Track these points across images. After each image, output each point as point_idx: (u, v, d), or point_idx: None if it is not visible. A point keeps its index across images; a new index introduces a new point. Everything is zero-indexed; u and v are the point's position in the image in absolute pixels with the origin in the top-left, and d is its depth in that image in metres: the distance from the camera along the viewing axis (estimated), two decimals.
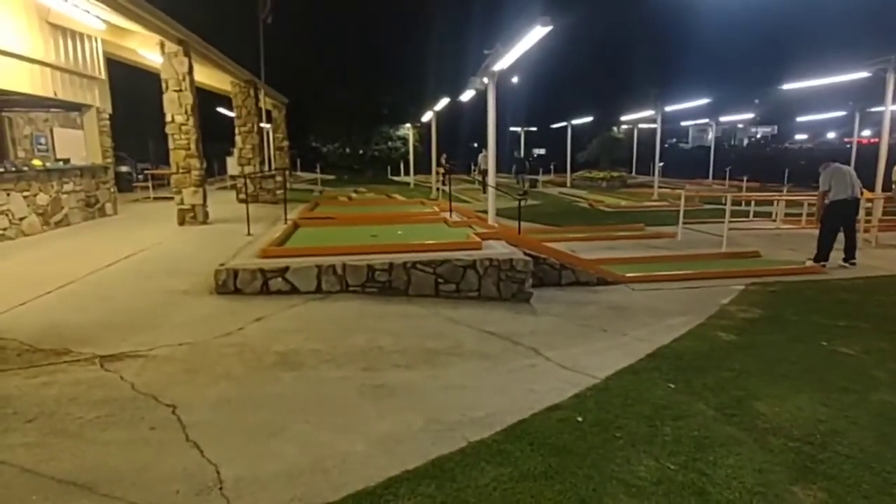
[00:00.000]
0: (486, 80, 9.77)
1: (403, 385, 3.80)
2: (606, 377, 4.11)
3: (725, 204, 10.54)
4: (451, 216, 9.82)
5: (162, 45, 9.80)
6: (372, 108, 28.96)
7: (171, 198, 14.25)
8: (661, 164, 33.84)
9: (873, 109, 20.20)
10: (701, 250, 10.25)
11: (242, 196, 15.08)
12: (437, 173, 19.94)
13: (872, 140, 36.62)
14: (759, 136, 52.41)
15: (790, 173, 24.24)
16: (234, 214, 12.09)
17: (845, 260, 8.56)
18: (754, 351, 4.85)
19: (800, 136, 43.44)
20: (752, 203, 12.75)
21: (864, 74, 11.85)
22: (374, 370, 4.04)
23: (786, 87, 14.27)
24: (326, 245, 6.87)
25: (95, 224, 10.60)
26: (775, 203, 12.78)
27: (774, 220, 12.35)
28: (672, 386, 4.00)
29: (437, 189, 20.07)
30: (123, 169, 17.58)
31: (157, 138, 23.96)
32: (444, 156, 22.40)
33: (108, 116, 11.90)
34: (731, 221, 13.15)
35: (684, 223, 12.77)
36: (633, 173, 32.72)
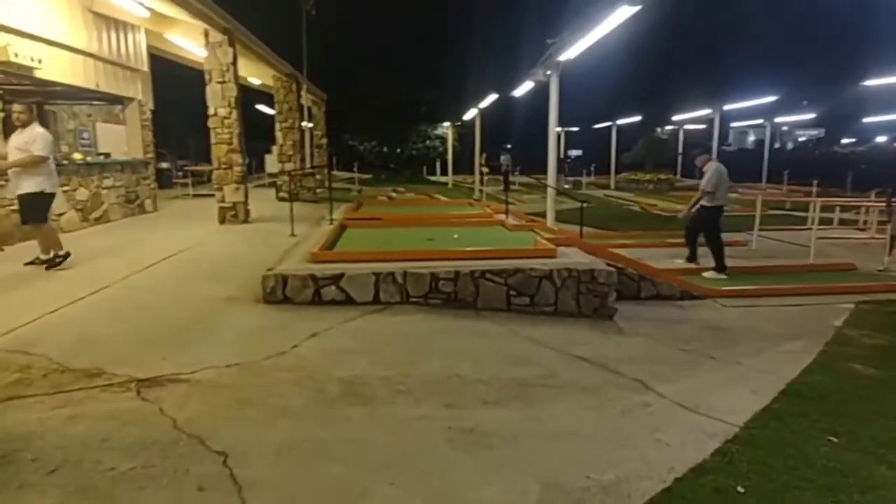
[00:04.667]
0: (549, 71, 9.03)
1: (499, 429, 3.07)
2: (746, 424, 3.31)
3: (809, 210, 9.54)
4: (507, 218, 9.09)
5: (206, 35, 9.32)
6: (411, 106, 28.36)
7: (211, 195, 13.87)
8: None
9: None
10: (782, 261, 9.28)
11: (283, 194, 14.66)
12: (482, 174, 19.15)
13: None
14: (804, 138, 50.07)
15: (846, 177, 22.67)
16: (275, 213, 11.60)
17: (690, 259, 8.59)
18: None
19: (846, 140, 41.44)
20: (837, 209, 11.63)
21: None
22: (460, 407, 3.33)
23: (868, 83, 13.07)
24: (381, 249, 6.21)
25: (135, 221, 10.19)
26: (863, 210, 11.63)
27: (864, 229, 11.22)
28: (835, 440, 3.18)
29: (480, 190, 19.29)
30: (164, 165, 17.36)
31: (196, 135, 23.85)
32: (484, 156, 21.59)
33: (149, 111, 11.53)
34: (805, 229, 12.13)
35: (751, 231, 11.81)
36: (679, 176, 31.40)
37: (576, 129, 34.65)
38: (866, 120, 28.52)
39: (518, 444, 2.94)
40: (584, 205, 9.95)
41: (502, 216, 9.41)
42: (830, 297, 6.95)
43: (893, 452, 3.04)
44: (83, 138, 13.64)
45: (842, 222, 11.91)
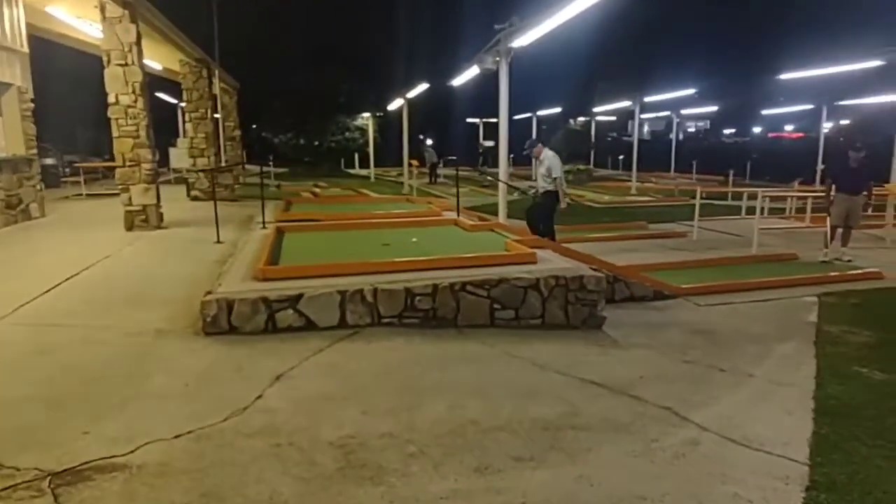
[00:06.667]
0: (497, 58, 8.49)
1: (553, 502, 2.46)
2: (811, 460, 2.91)
3: (744, 200, 9.71)
4: (460, 217, 8.47)
5: (102, 9, 7.90)
6: (329, 96, 26.94)
7: (109, 195, 12.21)
8: (622, 157, 33.54)
9: (843, 103, 20.31)
10: (727, 252, 9.35)
11: (196, 192, 13.21)
12: (412, 166, 18.41)
13: (794, 135, 38.04)
14: (692, 129, 53.24)
15: (742, 165, 24.15)
16: (191, 215, 10.30)
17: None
18: None
19: (728, 131, 44.87)
20: (767, 199, 12.00)
21: (876, 63, 11.35)
22: (493, 471, 2.67)
23: (784, 76, 13.75)
24: (342, 261, 5.37)
25: (18, 230, 8.56)
26: (789, 199, 12.14)
27: (787, 217, 11.69)
28: None
29: (410, 185, 18.57)
30: (49, 161, 15.11)
31: (86, 125, 21.24)
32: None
33: (30, 99, 9.76)
34: (739, 218, 12.52)
35: (682, 221, 12.03)
36: (593, 166, 32.26)
37: (494, 120, 34.68)
38: (765, 112, 30.60)
39: None
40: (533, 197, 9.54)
41: (452, 214, 8.78)
42: (791, 289, 6.96)
43: None
44: None
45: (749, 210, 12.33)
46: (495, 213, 10.00)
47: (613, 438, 3.08)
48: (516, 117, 32.88)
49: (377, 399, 3.36)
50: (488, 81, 9.78)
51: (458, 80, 11.59)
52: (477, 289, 4.83)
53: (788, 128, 40.28)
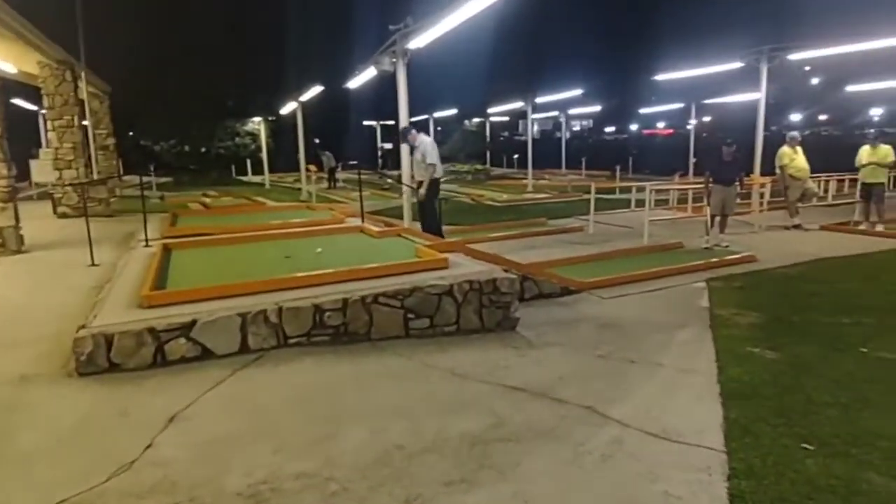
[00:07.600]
0: (394, 59, 8.35)
1: None
2: (726, 447, 3.01)
3: (633, 193, 10.28)
4: (363, 223, 8.20)
5: None
6: (215, 100, 25.37)
7: None
8: (517, 156, 34.66)
9: (709, 101, 22.28)
10: (621, 244, 9.81)
11: (64, 209, 11.85)
12: (311, 172, 17.76)
13: (665, 131, 41.80)
14: (577, 128, 56.36)
15: (624, 161, 25.89)
16: (59, 235, 9.22)
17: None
18: (818, 371, 4.13)
19: (608, 129, 48.22)
20: (653, 192, 12.83)
21: (737, 64, 12.44)
22: (423, 501, 2.49)
23: (659, 77, 14.75)
24: (235, 279, 4.93)
25: None
26: (671, 191, 13.05)
27: (669, 208, 12.57)
28: (808, 447, 3.03)
29: (309, 192, 17.91)
30: None
31: None
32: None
33: None
34: (629, 211, 13.29)
35: (579, 216, 12.59)
36: (489, 165, 33.10)
37: (392, 122, 34.60)
38: (641, 111, 32.89)
39: None
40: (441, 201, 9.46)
41: (356, 220, 8.49)
42: (682, 276, 7.38)
43: (864, 452, 2.97)
44: None
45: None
46: (399, 217, 9.86)
47: (542, 447, 3.02)
48: (413, 119, 33.07)
49: (290, 432, 3.07)
50: (384, 83, 9.59)
51: (355, 83, 11.27)
52: (390, 300, 4.63)
53: (660, 125, 43.88)
